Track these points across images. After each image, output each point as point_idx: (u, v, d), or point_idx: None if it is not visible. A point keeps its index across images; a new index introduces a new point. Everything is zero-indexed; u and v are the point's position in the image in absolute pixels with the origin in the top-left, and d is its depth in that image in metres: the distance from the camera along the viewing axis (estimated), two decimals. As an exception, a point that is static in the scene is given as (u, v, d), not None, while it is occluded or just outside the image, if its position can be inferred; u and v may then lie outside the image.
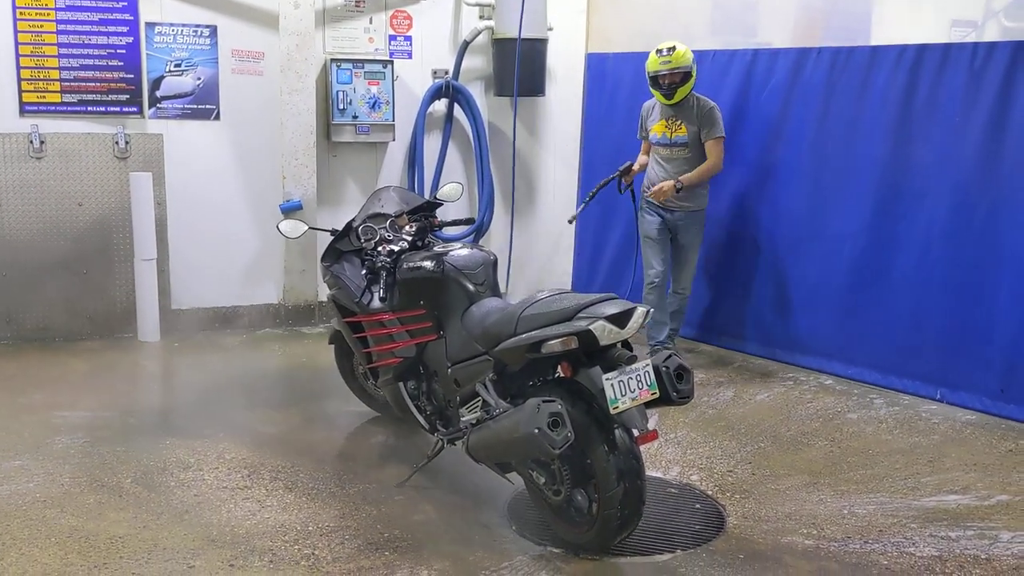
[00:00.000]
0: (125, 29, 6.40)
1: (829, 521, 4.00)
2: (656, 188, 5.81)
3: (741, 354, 6.37)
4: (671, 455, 4.73)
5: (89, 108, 6.40)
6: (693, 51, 5.82)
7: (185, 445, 4.67)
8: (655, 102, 5.96)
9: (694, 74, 5.78)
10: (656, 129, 5.94)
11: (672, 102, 5.79)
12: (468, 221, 5.08)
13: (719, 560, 3.66)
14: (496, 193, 7.31)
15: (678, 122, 5.84)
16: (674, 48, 5.70)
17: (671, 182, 5.76)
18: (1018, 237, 5.04)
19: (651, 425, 3.55)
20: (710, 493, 4.29)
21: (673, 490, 4.32)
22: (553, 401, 3.34)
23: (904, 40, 5.49)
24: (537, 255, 7.58)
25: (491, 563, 3.58)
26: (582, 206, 6.30)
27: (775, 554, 3.73)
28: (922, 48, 5.35)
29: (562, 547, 3.69)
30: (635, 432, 3.46)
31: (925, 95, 5.32)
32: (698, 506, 4.17)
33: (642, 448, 3.58)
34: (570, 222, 6.55)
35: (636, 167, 6.13)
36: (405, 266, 4.28)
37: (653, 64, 5.76)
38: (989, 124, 5.09)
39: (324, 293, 6.87)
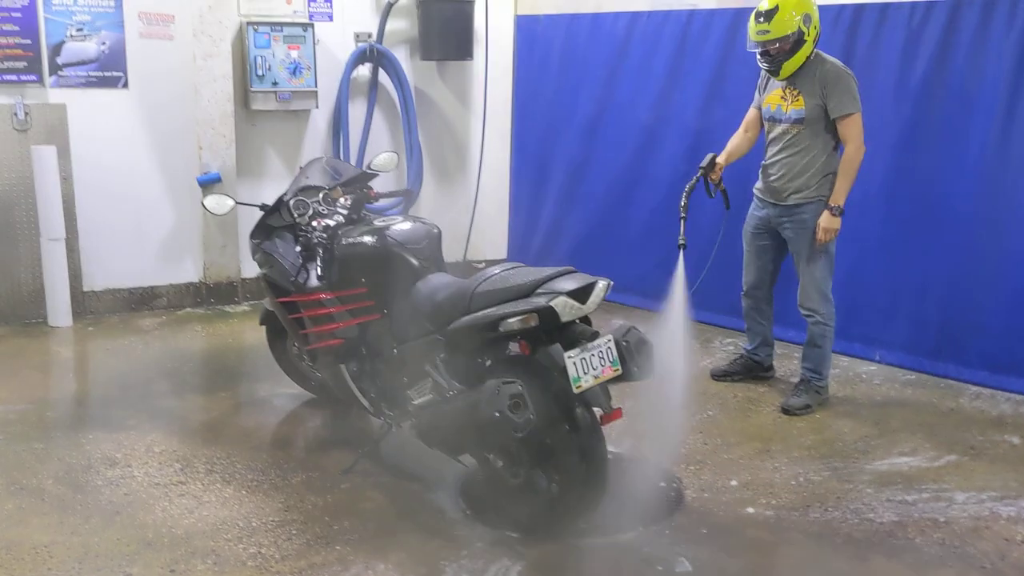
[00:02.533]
0: (19, -10, 5.93)
1: (786, 489, 3.96)
2: (821, 231, 4.60)
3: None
4: (621, 427, 4.54)
5: (-17, 77, 5.93)
6: (619, 12, 5.36)
7: (110, 439, 4.37)
8: None
9: (811, 35, 4.46)
10: (770, 100, 4.70)
11: (781, 77, 4.59)
12: (405, 192, 4.86)
13: (682, 536, 3.58)
14: (425, 162, 7.06)
15: (796, 92, 4.58)
16: (776, 9, 4.40)
17: (826, 214, 4.57)
18: (951, 197, 5.07)
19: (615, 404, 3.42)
20: (665, 466, 4.20)
21: (629, 464, 4.22)
22: (513, 382, 3.19)
23: (841, 0, 5.44)
24: (469, 225, 7.36)
25: (449, 551, 3.42)
26: (682, 224, 4.69)
27: (737, 526, 3.67)
28: (860, 8, 5.30)
29: (520, 531, 3.55)
30: (599, 411, 3.33)
31: (863, 55, 5.28)
32: (655, 479, 4.07)
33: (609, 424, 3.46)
34: (680, 247, 4.65)
35: (723, 158, 4.87)
36: (344, 242, 4.05)
37: (751, 33, 4.53)
38: (925, 84, 5.09)
39: (248, 270, 6.62)
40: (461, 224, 7.21)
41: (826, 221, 4.60)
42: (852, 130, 4.51)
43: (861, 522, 3.67)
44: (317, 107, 6.67)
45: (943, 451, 4.32)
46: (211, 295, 6.68)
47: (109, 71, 6.21)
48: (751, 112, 4.92)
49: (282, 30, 6.41)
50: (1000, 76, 4.83)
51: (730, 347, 5.78)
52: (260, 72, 6.39)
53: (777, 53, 4.50)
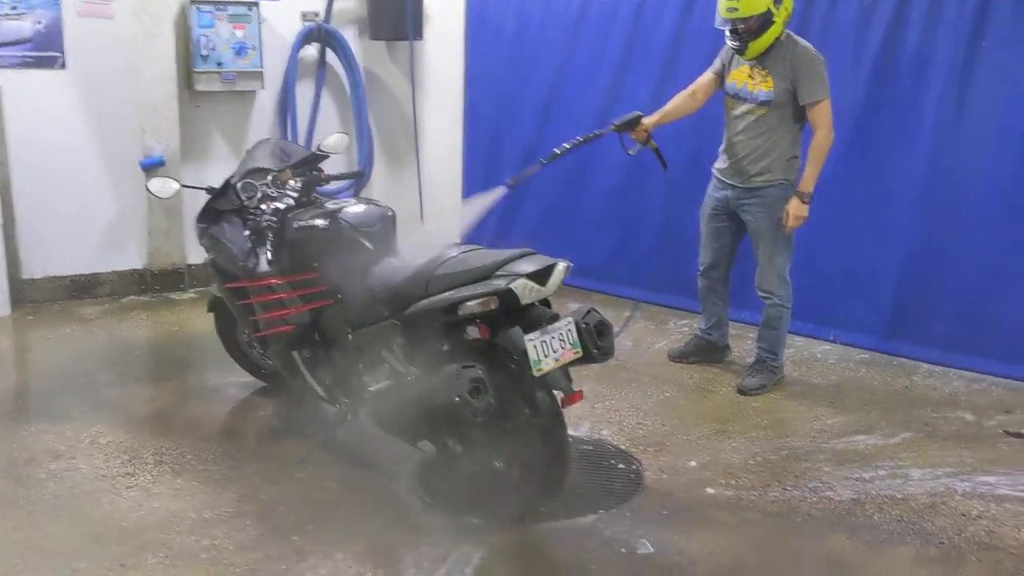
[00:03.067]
0: (-52, -34, 5.68)
1: (745, 469, 3.96)
2: (791, 218, 4.58)
3: (634, 301, 6.29)
4: (579, 410, 4.54)
5: (-90, 57, 5.68)
6: None
7: (52, 431, 4.22)
8: None
9: (780, 15, 4.39)
10: (737, 76, 4.62)
11: (748, 56, 4.52)
12: (356, 174, 4.76)
13: (643, 518, 3.55)
14: (376, 143, 6.93)
15: (764, 73, 4.52)
16: None
17: (795, 201, 4.55)
18: (904, 179, 5.11)
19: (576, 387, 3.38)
20: (624, 448, 4.18)
21: (587, 447, 4.19)
22: (473, 366, 3.12)
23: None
24: (421, 205, 7.25)
25: (409, 539, 3.36)
26: (534, 167, 4.77)
27: (697, 507, 3.66)
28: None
29: (480, 517, 3.49)
30: (560, 394, 3.28)
31: (816, 34, 5.27)
32: (614, 462, 4.05)
33: (565, 409, 3.41)
34: (508, 186, 4.80)
35: (655, 118, 4.78)
36: (295, 225, 3.94)
37: (720, 9, 4.45)
38: (877, 64, 5.10)
39: (194, 256, 6.45)
40: (413, 206, 7.11)
41: (795, 208, 4.56)
42: (822, 116, 4.47)
43: (820, 500, 3.68)
44: (263, 88, 6.50)
45: (898, 429, 4.36)
46: (156, 282, 6.50)
47: (46, 51, 5.98)
48: (706, 76, 4.82)
49: (226, 9, 6.24)
50: (953, 58, 4.86)
51: (684, 329, 5.78)
52: (204, 52, 6.21)
53: (745, 32, 4.42)
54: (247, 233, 4.15)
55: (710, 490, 3.79)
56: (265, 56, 6.39)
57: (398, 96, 7.07)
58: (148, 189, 4.34)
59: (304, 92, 6.72)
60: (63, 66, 6.04)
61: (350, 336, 3.77)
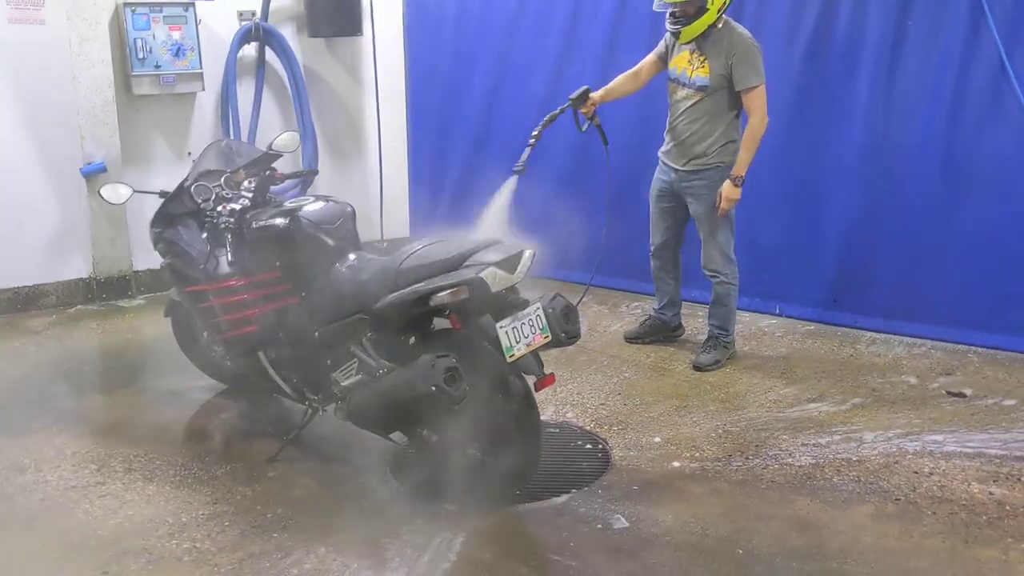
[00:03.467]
0: None
1: (707, 442, 4.10)
2: (724, 200, 4.72)
3: (583, 285, 6.39)
4: (542, 395, 4.53)
5: None
6: None
7: (15, 444, 4.17)
8: None
9: (714, 4, 4.49)
10: (677, 61, 4.74)
11: (681, 41, 4.66)
12: (311, 172, 4.77)
13: (614, 494, 3.66)
14: (319, 141, 6.92)
15: (702, 59, 4.64)
16: None
17: (728, 184, 4.67)
18: (841, 152, 5.29)
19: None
20: (589, 428, 4.29)
21: (553, 430, 4.28)
22: (447, 355, 3.19)
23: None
24: (369, 203, 7.26)
25: (389, 530, 3.41)
26: (527, 150, 4.76)
27: (666, 481, 3.78)
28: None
29: (457, 504, 3.56)
30: (533, 378, 3.36)
31: (752, 11, 5.42)
32: (580, 443, 4.16)
33: (537, 392, 3.50)
34: (516, 172, 4.76)
35: (600, 94, 4.90)
36: (255, 225, 3.95)
37: None
38: (813, 39, 5.27)
39: (141, 262, 6.39)
40: (359, 203, 7.09)
41: (728, 191, 4.71)
42: (756, 102, 4.60)
43: (781, 467, 3.83)
44: (203, 89, 6.45)
45: (848, 395, 4.54)
46: (103, 290, 6.41)
47: (-27, 58, 5.86)
48: (649, 57, 4.95)
49: (162, 10, 6.17)
50: (885, 30, 5.05)
51: (637, 311, 5.91)
52: (141, 55, 6.14)
53: (681, 16, 4.55)
54: (204, 236, 4.15)
55: (676, 464, 3.91)
56: (204, 57, 6.34)
57: (339, 93, 7.07)
58: (100, 195, 4.30)
59: (245, 92, 6.68)
60: (-7, 74, 5.92)
61: (316, 333, 3.80)
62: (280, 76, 6.80)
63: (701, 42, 4.63)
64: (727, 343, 5.04)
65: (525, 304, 3.37)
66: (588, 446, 4.12)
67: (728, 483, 3.73)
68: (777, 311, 5.68)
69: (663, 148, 5.00)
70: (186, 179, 4.31)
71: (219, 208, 4.11)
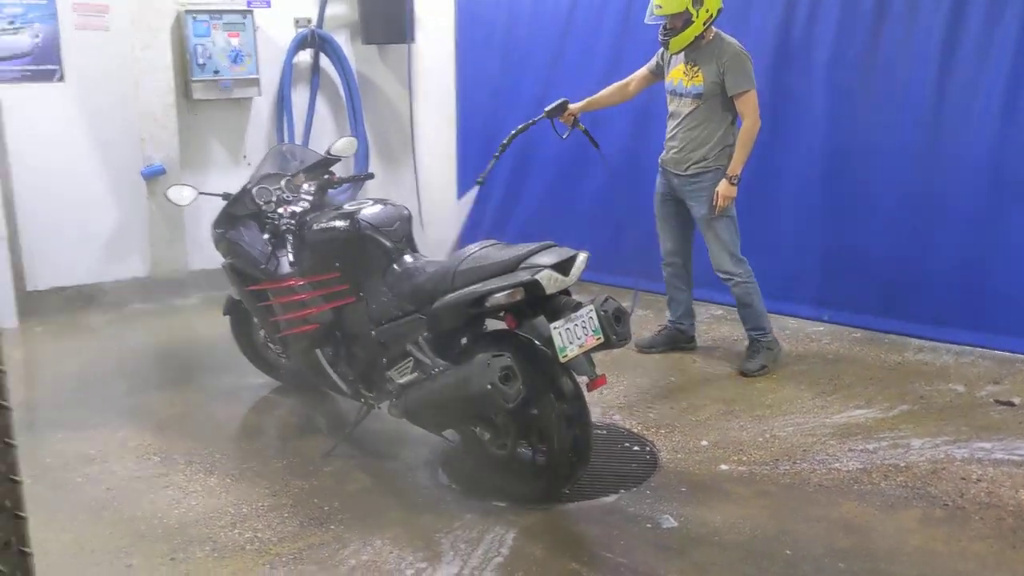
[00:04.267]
0: (-54, -16, 5.75)
1: (754, 446, 4.14)
2: (720, 198, 4.86)
3: (631, 290, 6.46)
4: (589, 398, 4.65)
5: (-88, 74, 5.74)
6: None
7: (80, 437, 4.33)
8: None
9: (700, 16, 4.68)
10: (673, 74, 4.94)
11: (671, 51, 4.87)
12: (367, 176, 4.89)
13: (663, 495, 3.72)
14: (371, 145, 7.06)
15: (695, 69, 4.83)
16: None
17: (724, 183, 4.84)
18: (891, 158, 5.31)
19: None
20: (636, 431, 4.35)
21: (601, 432, 4.35)
22: (503, 355, 3.27)
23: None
24: (418, 207, 7.39)
25: (442, 524, 3.50)
26: (492, 161, 5.07)
27: (714, 483, 3.83)
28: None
29: (507, 501, 3.65)
30: (586, 378, 3.44)
31: (801, 27, 5.48)
32: (628, 445, 4.22)
33: (588, 393, 3.58)
34: (478, 183, 5.23)
35: (580, 105, 5.15)
36: (315, 227, 4.07)
37: (649, 8, 4.81)
38: (865, 53, 5.30)
39: (196, 263, 6.56)
40: (411, 206, 7.23)
41: (724, 188, 4.86)
42: (748, 106, 4.79)
43: (828, 471, 3.86)
44: (260, 95, 6.63)
45: (895, 402, 4.55)
46: (159, 290, 6.60)
47: (44, 64, 6.08)
48: (642, 71, 5.17)
49: (221, 17, 6.36)
50: (935, 37, 5.06)
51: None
52: (201, 61, 6.33)
53: (670, 29, 4.77)
54: (265, 237, 4.28)
55: (724, 467, 3.96)
56: (260, 63, 6.52)
57: (391, 98, 7.21)
58: (166, 196, 4.46)
59: (300, 97, 6.85)
60: (61, 79, 6.13)
61: (373, 332, 3.91)
62: (334, 82, 6.96)
63: (694, 54, 4.84)
64: (768, 344, 5.07)
65: (578, 306, 3.44)
66: (635, 448, 4.19)
67: (776, 486, 3.78)
68: (826, 317, 5.69)
69: (663, 155, 5.13)
70: (248, 182, 4.46)
71: (280, 210, 4.24)
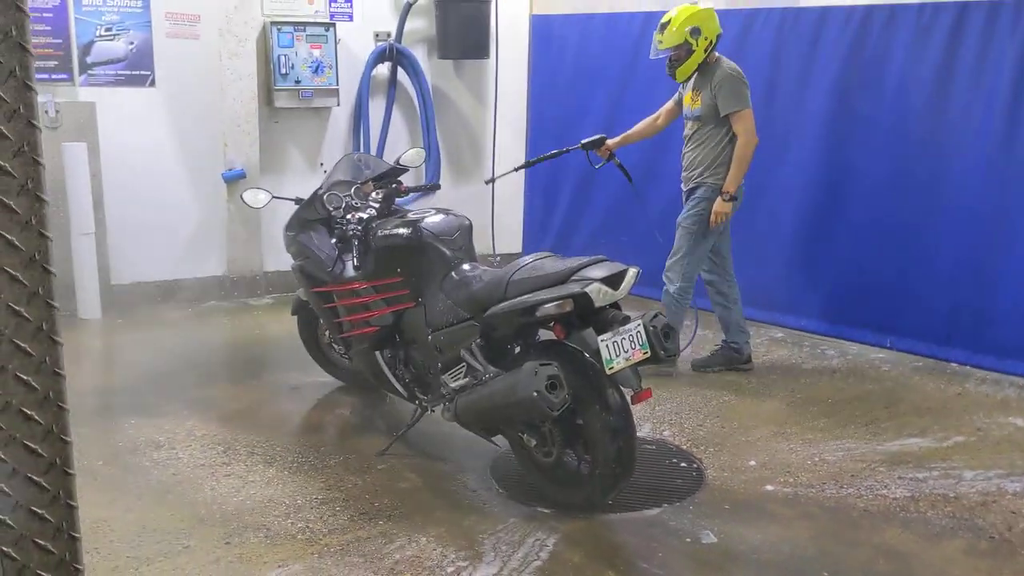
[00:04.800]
0: (51, -8, 6.11)
1: (802, 468, 4.15)
2: (713, 215, 5.10)
3: (693, 309, 6.48)
4: (640, 412, 4.79)
5: (16, 76, 6.09)
6: (634, 13, 5.79)
7: (151, 424, 4.56)
8: None
9: (700, 45, 4.97)
10: (686, 100, 5.24)
11: (679, 80, 5.16)
12: (433, 187, 5.04)
13: (705, 511, 3.76)
14: (442, 158, 7.24)
15: (696, 94, 5.14)
16: (667, 22, 5.00)
17: (718, 199, 5.08)
18: (959, 185, 5.26)
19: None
20: (684, 447, 4.39)
21: (649, 447, 4.41)
22: (550, 364, 3.37)
23: (843, 2, 5.65)
24: (486, 218, 7.53)
25: (486, 526, 3.61)
26: (510, 171, 5.49)
27: (758, 503, 3.85)
28: (870, 9, 5.50)
29: (551, 507, 3.74)
30: (629, 391, 3.51)
31: (871, 52, 5.47)
32: (676, 460, 4.27)
33: (635, 406, 3.64)
34: (487, 183, 5.99)
35: (616, 140, 5.44)
36: (380, 234, 4.23)
37: (653, 44, 5.13)
38: (934, 79, 5.28)
39: (270, 263, 6.81)
40: (477, 218, 7.37)
41: (718, 206, 5.09)
42: (740, 125, 5.03)
43: (875, 497, 3.86)
44: (338, 105, 6.86)
45: (951, 432, 4.51)
46: (234, 288, 6.86)
47: (137, 70, 6.40)
48: (668, 104, 5.46)
49: (304, 29, 6.60)
50: (1008, 63, 5.01)
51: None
52: (283, 71, 6.58)
53: (675, 60, 5.08)
54: (333, 241, 4.45)
55: (769, 487, 3.98)
56: (340, 74, 6.76)
57: (464, 112, 7.38)
58: (242, 199, 4.67)
59: (376, 109, 7.06)
60: (152, 84, 6.45)
61: (430, 337, 4.04)
62: (410, 94, 7.15)
63: (698, 79, 5.13)
64: (735, 351, 5.38)
65: (627, 320, 3.52)
66: (683, 464, 4.23)
67: (820, 509, 3.79)
68: (888, 344, 5.64)
69: (682, 175, 5.38)
70: (320, 188, 4.64)
71: (348, 216, 4.41)
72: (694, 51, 5.01)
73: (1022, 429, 4.54)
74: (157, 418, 4.64)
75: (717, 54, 5.11)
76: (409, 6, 6.94)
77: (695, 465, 4.21)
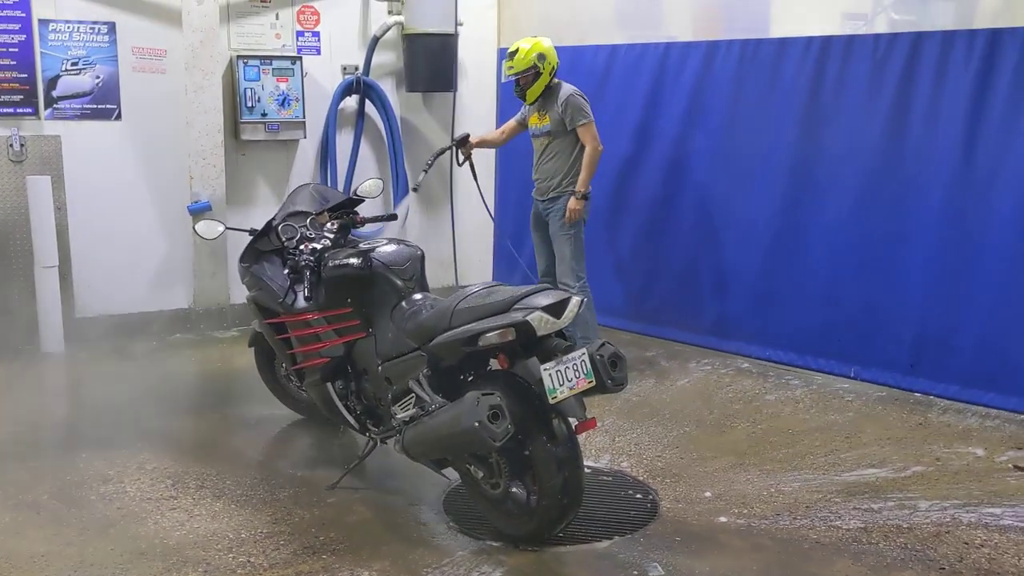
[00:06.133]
0: (17, 27, 6.12)
1: (758, 499, 4.10)
2: (568, 211, 5.63)
3: (660, 340, 6.48)
4: (600, 443, 4.77)
5: (-20, 109, 6.10)
6: (599, 45, 6.10)
7: (103, 457, 4.50)
8: None
9: (545, 69, 5.60)
10: (531, 121, 5.85)
11: (529, 102, 5.75)
12: (391, 217, 4.99)
13: (656, 543, 3.71)
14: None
15: (544, 113, 5.74)
16: (516, 51, 5.62)
17: (572, 198, 5.62)
18: (922, 217, 5.26)
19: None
20: (641, 479, 4.35)
21: (606, 478, 4.37)
22: (492, 394, 3.34)
23: (801, 33, 5.68)
24: (456, 249, 7.53)
25: (432, 560, 3.55)
26: (422, 174, 6.11)
27: (709, 534, 3.81)
28: (827, 40, 5.54)
29: (501, 540, 3.69)
30: (574, 421, 3.47)
31: (831, 84, 5.51)
32: (631, 492, 4.22)
33: (578, 436, 3.60)
34: (414, 190, 6.65)
35: (475, 141, 6.11)
36: (331, 264, 4.20)
37: (504, 69, 5.79)
38: (893, 109, 5.30)
39: (237, 296, 6.76)
40: (446, 251, 7.39)
41: (572, 203, 5.65)
42: (587, 134, 5.63)
43: (828, 528, 3.81)
44: (305, 137, 6.87)
45: (910, 462, 4.47)
46: (200, 321, 6.82)
47: (103, 104, 6.41)
48: (511, 122, 6.10)
49: (271, 63, 6.63)
50: (968, 98, 5.04)
51: (707, 367, 5.95)
52: (250, 104, 6.59)
53: (524, 83, 5.67)
54: (286, 272, 4.43)
55: (723, 519, 3.94)
56: (307, 107, 6.77)
57: (433, 144, 7.36)
58: (194, 231, 4.65)
59: (344, 141, 7.07)
60: (119, 117, 6.46)
61: (380, 368, 4.00)
62: (378, 127, 7.16)
63: (543, 100, 5.72)
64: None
65: (570, 349, 3.49)
66: (638, 496, 4.18)
67: (772, 540, 3.74)
68: (852, 374, 5.62)
69: (535, 188, 5.90)
70: (274, 218, 4.63)
71: (301, 247, 4.39)
72: (541, 74, 5.62)
73: (981, 459, 4.51)
74: (110, 451, 4.58)
75: (557, 79, 5.71)
76: (376, 40, 6.98)
77: (650, 496, 4.17)
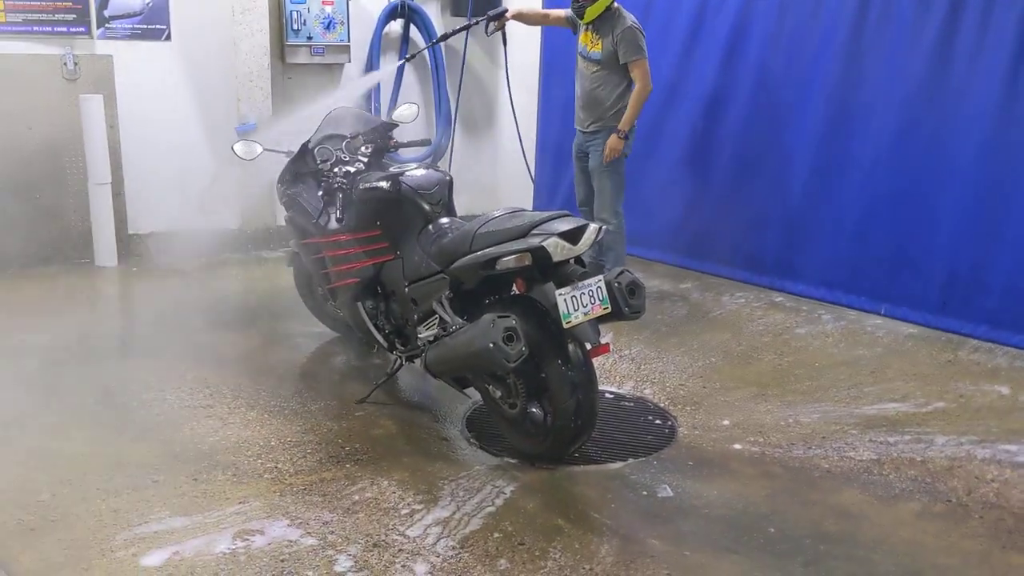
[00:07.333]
0: (70, -54, 6.23)
1: (774, 429, 4.17)
2: (608, 150, 5.60)
3: (695, 272, 6.50)
4: (625, 370, 4.86)
5: (35, 28, 6.24)
6: None
7: (146, 366, 4.72)
8: None
9: None
10: (582, 39, 5.68)
11: (585, 20, 5.56)
12: (424, 142, 5.06)
13: (668, 466, 3.81)
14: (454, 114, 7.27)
15: (597, 37, 5.57)
16: None
17: (613, 136, 5.57)
18: (960, 152, 5.15)
19: (604, 339, 3.65)
20: (663, 406, 4.43)
21: (627, 403, 4.46)
22: (508, 316, 3.42)
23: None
24: (497, 176, 7.59)
25: (449, 473, 3.70)
26: (430, 44, 6.26)
27: (722, 460, 3.89)
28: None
29: (518, 458, 3.81)
30: (587, 345, 3.56)
31: (876, 13, 5.37)
32: (651, 417, 4.31)
33: (595, 361, 3.69)
34: (406, 59, 6.67)
35: (512, 13, 5.95)
36: (361, 187, 4.30)
37: None
38: (936, 42, 5.16)
39: (282, 217, 6.91)
40: (487, 175, 7.44)
41: (612, 141, 5.58)
42: (638, 72, 5.50)
43: (841, 459, 3.87)
44: (350, 61, 6.92)
45: (932, 398, 4.48)
46: (248, 241, 7.00)
47: (153, 24, 6.52)
48: (561, 12, 5.85)
49: (317, -15, 6.66)
50: (1011, 33, 4.89)
51: (740, 300, 5.96)
52: (296, 27, 6.65)
53: (584, 1, 5.46)
54: (320, 194, 4.54)
55: (737, 446, 4.01)
56: (352, 31, 6.80)
57: (477, 70, 7.38)
58: (233, 150, 4.77)
59: (388, 66, 7.09)
60: (168, 38, 6.57)
61: (407, 289, 4.12)
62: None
63: (598, 24, 5.53)
64: None
65: (586, 275, 3.56)
66: (657, 421, 4.28)
67: (783, 468, 3.81)
68: (883, 311, 5.58)
69: (576, 113, 5.82)
70: (309, 141, 4.73)
71: (336, 169, 4.49)
72: None
73: (1006, 397, 4.49)
74: (154, 361, 4.80)
75: (618, 4, 5.55)
76: (422, -37, 6.97)
77: (669, 423, 4.25)
